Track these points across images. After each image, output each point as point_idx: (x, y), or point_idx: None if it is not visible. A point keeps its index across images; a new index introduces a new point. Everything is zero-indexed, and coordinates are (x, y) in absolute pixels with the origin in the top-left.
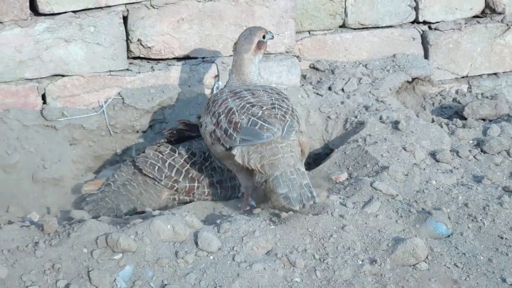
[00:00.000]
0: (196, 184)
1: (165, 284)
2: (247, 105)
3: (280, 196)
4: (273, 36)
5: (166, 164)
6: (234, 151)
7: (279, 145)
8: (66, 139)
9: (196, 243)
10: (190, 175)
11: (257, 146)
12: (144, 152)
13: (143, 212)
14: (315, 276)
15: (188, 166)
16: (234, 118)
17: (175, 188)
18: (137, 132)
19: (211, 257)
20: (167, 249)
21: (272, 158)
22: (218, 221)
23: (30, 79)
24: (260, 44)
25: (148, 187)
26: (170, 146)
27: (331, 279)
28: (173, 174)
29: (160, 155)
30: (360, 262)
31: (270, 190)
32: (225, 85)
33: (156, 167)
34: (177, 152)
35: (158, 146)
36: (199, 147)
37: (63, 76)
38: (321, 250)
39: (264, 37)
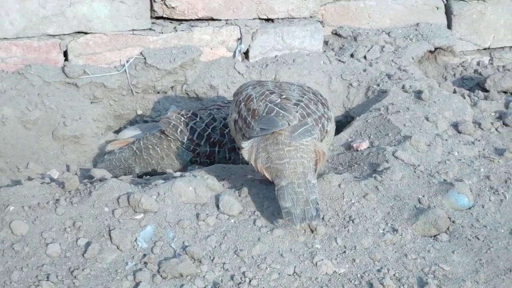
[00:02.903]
0: (217, 149)
1: (186, 246)
2: (266, 92)
3: (282, 210)
4: None
5: (188, 127)
6: (244, 145)
7: (286, 148)
8: (87, 97)
9: (218, 206)
10: (211, 139)
11: (266, 144)
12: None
13: (163, 173)
14: (335, 243)
15: (209, 130)
16: (252, 105)
17: (196, 152)
18: (158, 92)
19: (232, 221)
20: (188, 211)
21: (277, 162)
22: (239, 185)
23: (52, 35)
24: None
25: (171, 152)
26: (192, 110)
27: (351, 247)
28: (194, 138)
29: (182, 118)
30: (381, 231)
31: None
32: None
33: (179, 129)
34: (198, 117)
35: (180, 110)
36: (220, 113)
37: (86, 33)
38: (342, 218)
39: None
